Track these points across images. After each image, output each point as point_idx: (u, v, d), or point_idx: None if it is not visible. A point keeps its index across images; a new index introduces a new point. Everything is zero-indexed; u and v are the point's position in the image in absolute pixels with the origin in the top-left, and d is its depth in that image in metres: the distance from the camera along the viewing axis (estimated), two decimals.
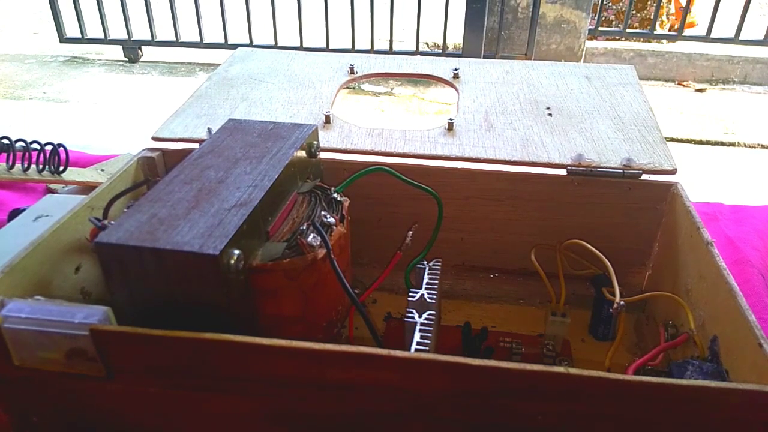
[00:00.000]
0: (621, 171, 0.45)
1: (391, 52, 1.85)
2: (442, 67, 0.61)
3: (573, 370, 0.27)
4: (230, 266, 0.30)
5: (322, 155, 0.48)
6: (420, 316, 0.37)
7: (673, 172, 0.44)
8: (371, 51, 1.85)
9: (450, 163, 0.47)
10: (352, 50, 1.87)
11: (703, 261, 0.37)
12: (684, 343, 0.37)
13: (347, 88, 0.61)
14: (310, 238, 0.34)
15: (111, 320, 0.31)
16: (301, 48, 1.92)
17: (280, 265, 0.33)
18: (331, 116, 0.52)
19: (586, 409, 0.28)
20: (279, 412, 0.31)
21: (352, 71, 0.61)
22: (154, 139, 0.51)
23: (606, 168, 0.45)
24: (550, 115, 0.52)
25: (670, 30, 2.13)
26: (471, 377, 0.27)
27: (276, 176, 0.36)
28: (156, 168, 0.50)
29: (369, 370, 0.28)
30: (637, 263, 0.49)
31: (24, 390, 0.33)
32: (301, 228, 0.35)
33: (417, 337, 0.35)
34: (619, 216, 0.47)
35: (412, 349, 0.35)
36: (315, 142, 0.43)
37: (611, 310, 0.37)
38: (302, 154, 0.41)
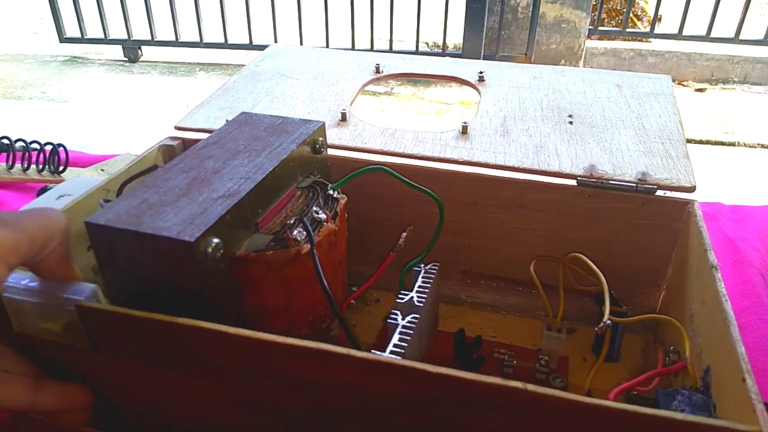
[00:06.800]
0: (634, 185, 0.43)
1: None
2: (469, 69, 0.60)
3: (531, 387, 0.26)
4: (207, 254, 0.30)
5: (334, 152, 0.49)
6: (403, 319, 0.37)
7: (691, 189, 0.42)
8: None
9: (459, 167, 0.47)
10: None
11: (706, 285, 0.35)
12: (682, 371, 0.35)
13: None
14: (295, 232, 0.35)
15: (98, 298, 0.33)
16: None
17: (264, 257, 0.34)
18: (347, 114, 0.53)
19: (546, 428, 0.27)
20: (245, 400, 0.32)
21: (377, 70, 0.61)
22: (177, 128, 0.53)
23: (619, 181, 0.43)
24: (570, 123, 0.51)
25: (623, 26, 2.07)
26: (426, 384, 0.27)
27: (270, 169, 0.37)
28: (175, 156, 0.51)
29: (329, 367, 0.28)
30: (650, 283, 0.47)
31: (22, 354, 0.35)
32: (289, 222, 0.36)
33: (395, 339, 0.35)
34: (631, 232, 0.45)
35: (388, 351, 0.35)
36: (320, 139, 0.43)
37: (596, 329, 0.35)
38: (306, 149, 0.42)
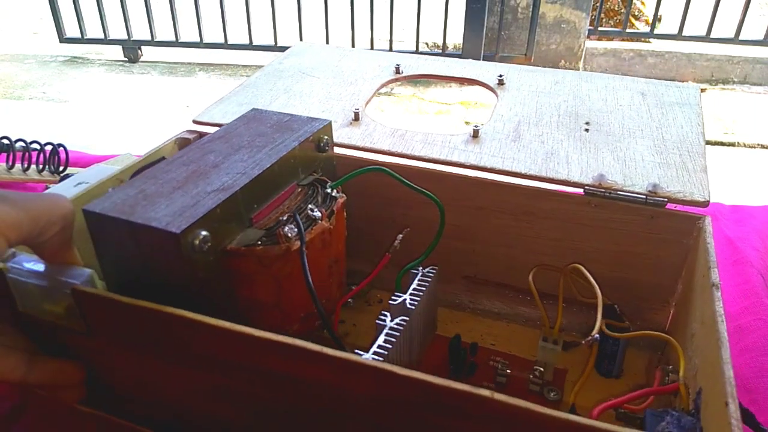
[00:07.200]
0: (644, 197, 0.41)
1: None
2: (490, 72, 0.60)
3: (498, 396, 0.25)
4: (194, 246, 0.31)
5: (343, 151, 0.49)
6: (392, 320, 0.37)
7: (704, 204, 0.40)
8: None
9: (466, 171, 0.46)
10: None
11: (706, 304, 0.33)
12: (676, 391, 0.34)
13: (389, 86, 0.61)
14: (286, 228, 0.35)
15: (94, 282, 0.34)
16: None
17: (253, 251, 0.35)
18: (360, 114, 0.53)
19: None
20: (225, 391, 0.32)
21: (397, 71, 0.61)
22: (195, 122, 0.54)
23: (628, 192, 0.42)
24: (586, 130, 0.49)
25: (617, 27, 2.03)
26: (396, 386, 0.27)
27: (267, 166, 0.37)
28: None
29: (304, 364, 0.29)
30: (659, 299, 0.45)
31: (22, 331, 0.37)
32: (282, 218, 0.36)
33: (380, 340, 0.35)
34: (640, 245, 0.43)
35: (371, 352, 0.35)
36: (326, 137, 0.44)
37: (583, 342, 0.34)
38: (310, 147, 0.42)
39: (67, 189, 0.47)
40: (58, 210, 0.32)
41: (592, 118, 0.51)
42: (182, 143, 0.52)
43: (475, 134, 0.49)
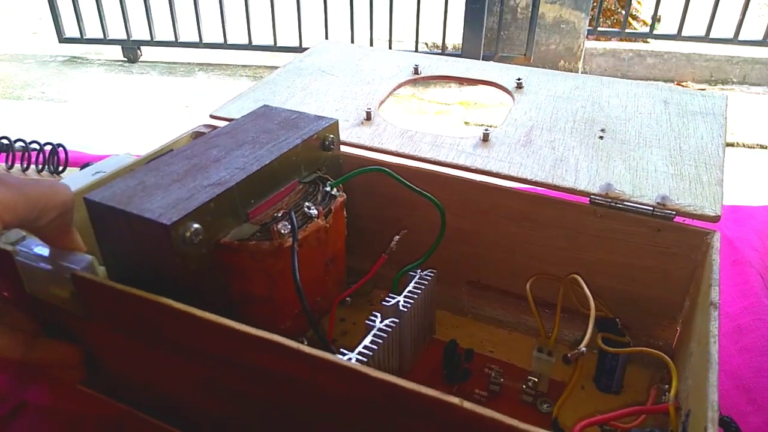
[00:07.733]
0: (651, 209, 0.40)
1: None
2: (510, 74, 0.59)
3: (467, 404, 0.25)
4: (185, 238, 0.32)
5: (351, 150, 0.49)
6: (381, 322, 0.37)
7: (714, 219, 0.39)
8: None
9: (470, 174, 0.46)
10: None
11: (704, 323, 0.32)
12: (665, 412, 0.33)
13: (406, 86, 0.61)
14: (280, 225, 0.36)
15: (95, 269, 0.35)
16: (301, 48, 1.95)
17: (246, 246, 0.35)
18: (372, 113, 0.53)
19: None
20: (212, 382, 0.33)
21: (416, 71, 0.61)
22: (212, 116, 0.55)
23: (635, 203, 0.40)
24: (601, 137, 0.48)
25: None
26: (365, 386, 0.27)
27: (267, 162, 0.38)
28: None
29: (280, 360, 0.29)
30: (667, 315, 0.43)
31: (32, 314, 0.38)
32: (277, 215, 0.37)
33: (366, 341, 0.35)
34: (646, 258, 0.42)
35: (355, 352, 0.35)
36: (331, 136, 0.44)
37: (568, 355, 0.33)
38: (315, 145, 0.43)
39: (84, 177, 0.49)
40: (57, 197, 0.33)
41: (608, 125, 0.50)
42: (197, 137, 0.54)
43: (486, 138, 0.49)
